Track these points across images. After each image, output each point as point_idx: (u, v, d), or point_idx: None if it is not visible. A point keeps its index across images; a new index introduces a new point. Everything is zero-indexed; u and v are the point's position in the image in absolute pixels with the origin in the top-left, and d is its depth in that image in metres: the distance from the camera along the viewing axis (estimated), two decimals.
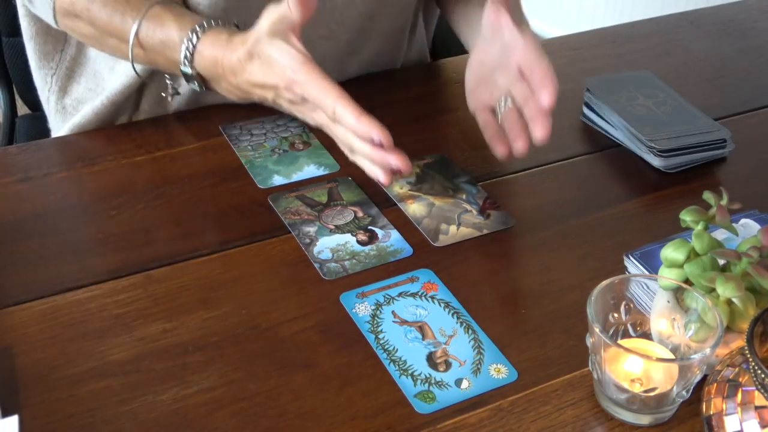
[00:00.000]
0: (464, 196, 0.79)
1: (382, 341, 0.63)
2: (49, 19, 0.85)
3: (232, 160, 0.83)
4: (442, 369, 0.61)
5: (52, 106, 0.96)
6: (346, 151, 0.74)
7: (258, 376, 0.60)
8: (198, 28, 0.77)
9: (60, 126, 0.95)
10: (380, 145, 0.69)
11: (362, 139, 0.69)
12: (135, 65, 0.83)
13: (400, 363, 0.61)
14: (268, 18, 0.71)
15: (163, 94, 0.87)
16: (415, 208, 0.77)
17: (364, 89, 0.96)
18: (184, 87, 0.87)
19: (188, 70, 0.78)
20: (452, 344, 0.63)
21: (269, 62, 0.72)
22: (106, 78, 0.92)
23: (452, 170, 0.83)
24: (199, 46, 0.77)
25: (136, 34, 0.79)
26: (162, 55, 0.80)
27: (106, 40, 0.83)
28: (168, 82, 0.86)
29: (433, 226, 0.75)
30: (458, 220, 0.76)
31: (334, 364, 0.61)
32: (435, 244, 0.73)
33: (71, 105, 0.94)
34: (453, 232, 0.75)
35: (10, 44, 1.12)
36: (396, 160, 0.69)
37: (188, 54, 0.77)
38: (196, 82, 0.80)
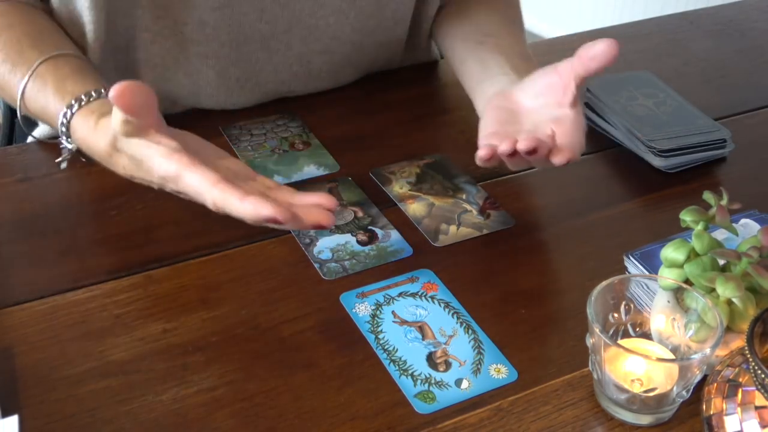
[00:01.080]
0: (464, 196, 0.79)
1: (382, 341, 0.63)
2: None
3: None
4: (442, 369, 0.61)
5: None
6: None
7: (258, 376, 0.60)
8: (74, 103, 0.70)
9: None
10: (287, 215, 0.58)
11: (258, 221, 0.60)
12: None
13: (400, 363, 0.61)
14: (116, 119, 0.61)
15: (56, 160, 0.78)
16: (415, 208, 0.77)
17: (364, 90, 0.96)
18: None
19: (69, 146, 0.73)
20: (452, 344, 0.63)
21: (135, 161, 0.64)
22: None
23: (452, 170, 0.83)
24: (73, 123, 0.70)
25: (22, 95, 0.74)
26: (45, 121, 0.77)
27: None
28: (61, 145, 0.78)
29: (433, 226, 0.75)
30: (458, 220, 0.76)
31: (334, 364, 0.61)
32: (435, 244, 0.73)
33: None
34: (453, 232, 0.75)
35: None
36: (317, 214, 0.60)
37: (64, 130, 0.71)
38: (82, 157, 0.74)
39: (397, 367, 0.61)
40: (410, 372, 0.61)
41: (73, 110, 0.70)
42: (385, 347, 0.62)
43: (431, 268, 0.70)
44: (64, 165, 0.77)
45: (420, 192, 0.80)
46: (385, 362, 0.61)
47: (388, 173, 0.82)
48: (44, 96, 0.73)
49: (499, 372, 0.61)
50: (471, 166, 0.83)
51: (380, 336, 0.63)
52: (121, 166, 0.66)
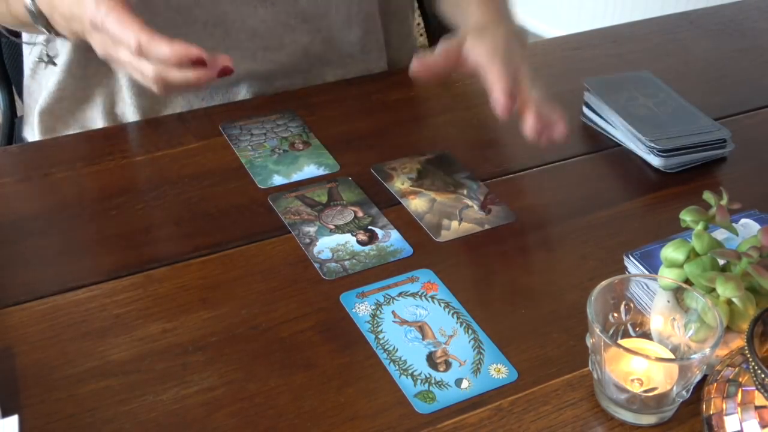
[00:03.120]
0: (465, 192, 0.79)
1: (382, 341, 0.63)
2: None
3: (232, 160, 0.83)
4: (442, 369, 0.61)
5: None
6: (157, 87, 0.70)
7: (258, 376, 0.60)
8: None
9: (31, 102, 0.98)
10: (202, 62, 0.67)
11: (181, 64, 0.67)
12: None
13: (400, 363, 0.61)
14: None
15: (42, 63, 0.87)
16: (416, 204, 0.77)
17: (364, 90, 0.96)
18: (61, 56, 0.88)
19: (32, 7, 0.77)
20: (452, 344, 0.63)
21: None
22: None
23: (453, 166, 0.83)
24: None
25: None
26: (10, 15, 0.81)
27: None
28: (43, 49, 0.86)
29: (435, 221, 0.75)
30: (459, 216, 0.76)
31: (334, 364, 0.61)
32: (437, 240, 0.73)
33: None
34: (455, 228, 0.75)
35: (10, 44, 1.12)
36: (223, 61, 0.68)
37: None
38: (41, 24, 0.78)
39: (397, 367, 0.61)
40: (410, 372, 0.61)
41: None
42: (385, 347, 0.62)
43: (431, 268, 0.70)
44: (44, 67, 0.86)
45: (421, 188, 0.80)
46: (385, 362, 0.61)
47: (389, 169, 0.82)
48: None
49: (499, 372, 0.61)
50: (471, 166, 0.83)
51: (380, 336, 0.63)
52: (61, 3, 0.72)
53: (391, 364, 0.61)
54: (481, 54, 0.76)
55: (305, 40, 0.95)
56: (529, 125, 0.75)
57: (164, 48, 0.66)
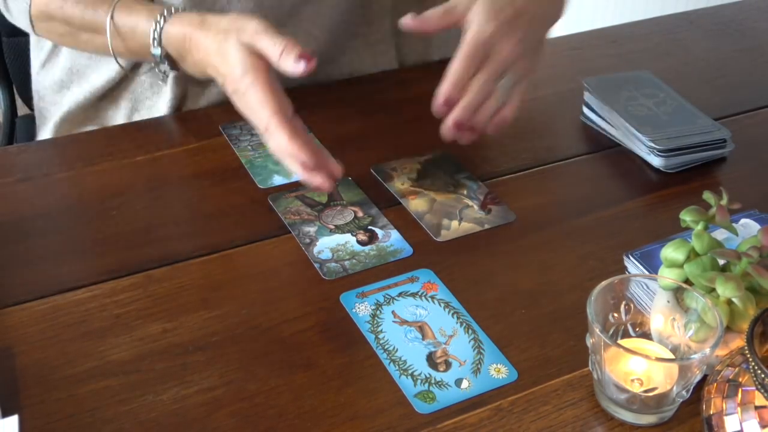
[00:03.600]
0: (465, 192, 0.79)
1: (382, 341, 0.63)
2: (26, 26, 0.89)
3: (232, 160, 0.83)
4: (442, 369, 0.61)
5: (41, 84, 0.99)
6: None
7: (258, 376, 0.60)
8: (165, 12, 0.81)
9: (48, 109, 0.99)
10: (309, 167, 0.70)
11: (292, 159, 0.70)
12: (117, 57, 0.86)
13: (400, 363, 0.61)
14: (256, 28, 0.72)
15: (160, 82, 0.91)
16: (416, 204, 0.77)
17: (364, 90, 0.96)
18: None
19: (157, 51, 0.82)
20: (452, 344, 0.63)
21: (223, 54, 0.73)
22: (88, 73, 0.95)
23: (453, 166, 0.83)
24: (166, 27, 0.80)
25: (111, 20, 0.83)
26: (133, 40, 0.83)
27: (81, 36, 0.86)
28: (156, 69, 0.88)
29: (435, 221, 0.75)
30: (459, 216, 0.76)
31: (334, 364, 0.61)
32: (437, 239, 0.73)
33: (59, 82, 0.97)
34: (455, 227, 0.75)
35: (10, 44, 1.12)
36: (323, 178, 0.71)
37: (156, 36, 0.81)
38: (166, 62, 0.83)
39: (397, 367, 0.61)
40: (410, 372, 0.61)
41: (167, 17, 0.80)
42: (385, 347, 0.62)
43: (431, 268, 0.70)
44: (162, 83, 0.89)
45: (421, 188, 0.80)
46: (385, 362, 0.61)
47: (390, 169, 0.82)
48: (132, 17, 0.82)
49: (499, 372, 0.61)
50: (471, 166, 0.83)
51: (380, 336, 0.63)
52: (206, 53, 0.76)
53: (391, 364, 0.61)
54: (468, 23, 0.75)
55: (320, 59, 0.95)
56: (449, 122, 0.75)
57: (283, 140, 0.69)
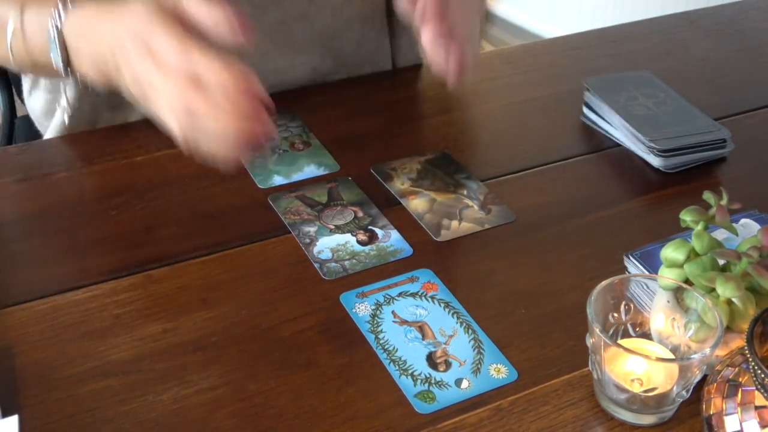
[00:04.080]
0: (465, 192, 0.79)
1: (382, 341, 0.63)
2: None
3: None
4: (442, 369, 0.61)
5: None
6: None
7: (258, 376, 0.60)
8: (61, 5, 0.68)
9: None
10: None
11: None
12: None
13: (400, 363, 0.61)
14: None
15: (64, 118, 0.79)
16: (416, 204, 0.77)
17: (364, 90, 0.96)
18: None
19: (57, 54, 0.69)
20: (452, 344, 0.63)
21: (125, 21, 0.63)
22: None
23: (453, 166, 0.83)
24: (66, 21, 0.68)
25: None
26: (28, 49, 0.72)
27: None
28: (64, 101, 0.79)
29: (435, 221, 0.75)
30: (459, 216, 0.76)
31: (334, 364, 0.61)
32: (437, 239, 0.73)
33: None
34: (455, 227, 0.75)
35: None
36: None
37: (54, 30, 0.68)
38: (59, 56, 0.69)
39: (397, 367, 0.61)
40: (410, 372, 0.61)
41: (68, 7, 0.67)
42: (385, 347, 0.62)
43: (431, 268, 0.70)
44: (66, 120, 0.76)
45: (421, 188, 0.80)
46: (385, 362, 0.61)
47: (390, 169, 0.82)
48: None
49: (499, 372, 0.61)
50: (471, 166, 0.83)
51: (380, 336, 0.63)
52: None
53: (391, 364, 0.61)
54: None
55: (316, 60, 0.95)
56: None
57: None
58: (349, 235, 0.74)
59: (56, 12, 0.68)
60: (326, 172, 0.82)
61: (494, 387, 0.60)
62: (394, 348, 0.62)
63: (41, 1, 0.71)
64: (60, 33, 0.68)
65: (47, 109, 0.94)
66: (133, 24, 0.63)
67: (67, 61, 0.70)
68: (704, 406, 0.54)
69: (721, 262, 0.61)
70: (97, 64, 0.67)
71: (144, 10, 0.62)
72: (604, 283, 0.58)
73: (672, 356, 0.58)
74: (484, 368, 0.61)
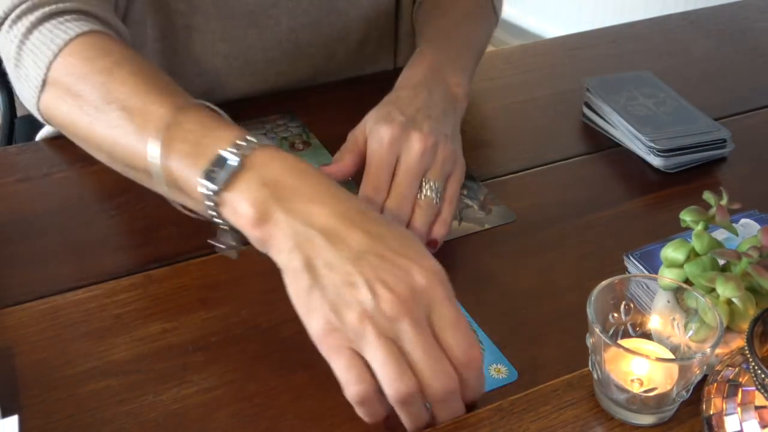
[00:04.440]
0: (465, 192, 0.79)
1: None
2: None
3: None
4: None
5: None
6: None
7: (258, 376, 0.60)
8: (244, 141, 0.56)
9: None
10: None
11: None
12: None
13: None
14: None
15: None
16: None
17: (364, 90, 0.96)
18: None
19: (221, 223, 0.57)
20: None
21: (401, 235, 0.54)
22: None
23: None
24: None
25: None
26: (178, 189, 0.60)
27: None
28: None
29: None
30: (459, 215, 0.76)
31: None
32: None
33: None
34: (455, 227, 0.75)
35: None
36: None
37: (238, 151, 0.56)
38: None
39: None
40: None
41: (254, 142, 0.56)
42: None
43: None
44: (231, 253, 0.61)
45: None
46: None
47: None
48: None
49: (499, 372, 0.61)
50: (471, 167, 0.83)
51: None
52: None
53: None
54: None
55: (320, 62, 0.95)
56: None
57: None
58: None
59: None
60: None
61: (494, 387, 0.60)
62: None
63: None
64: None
65: None
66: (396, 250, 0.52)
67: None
68: (704, 406, 0.54)
69: (721, 262, 0.61)
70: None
71: (434, 267, 0.52)
72: (604, 283, 0.58)
73: (672, 356, 0.58)
74: (485, 368, 0.61)
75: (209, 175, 0.55)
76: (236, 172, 0.55)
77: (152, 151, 0.58)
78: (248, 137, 0.56)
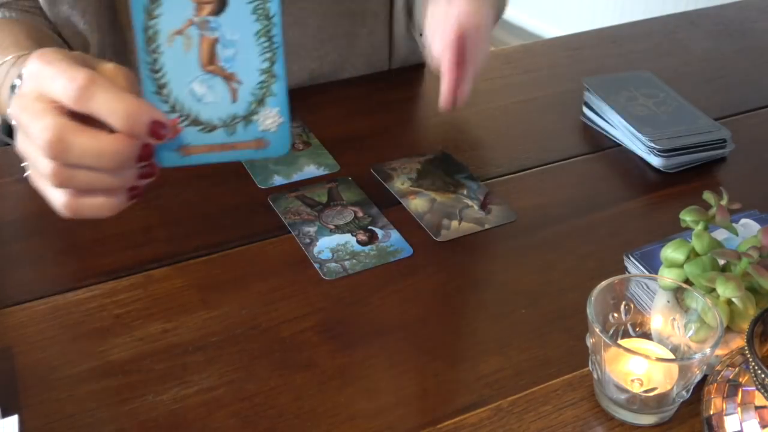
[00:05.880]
0: (465, 192, 0.79)
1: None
2: None
3: None
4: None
5: None
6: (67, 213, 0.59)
7: (258, 376, 0.60)
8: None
9: None
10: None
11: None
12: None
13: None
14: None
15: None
16: (416, 204, 0.77)
17: (364, 90, 0.96)
18: None
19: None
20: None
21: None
22: None
23: (452, 166, 0.83)
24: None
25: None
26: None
27: None
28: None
29: (435, 221, 0.75)
30: (460, 215, 0.76)
31: (334, 364, 0.61)
32: (437, 239, 0.73)
33: None
34: (455, 227, 0.75)
35: None
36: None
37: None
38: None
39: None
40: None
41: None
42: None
43: (432, 268, 0.70)
44: None
45: (421, 188, 0.80)
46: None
47: (389, 169, 0.82)
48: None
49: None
50: (471, 166, 0.83)
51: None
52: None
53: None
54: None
55: (313, 65, 0.95)
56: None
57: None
58: (349, 235, 0.74)
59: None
60: (326, 172, 0.82)
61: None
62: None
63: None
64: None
65: None
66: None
67: None
68: (704, 406, 0.54)
69: (721, 262, 0.61)
70: None
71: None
72: (604, 283, 0.58)
73: (672, 356, 0.58)
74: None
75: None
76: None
77: None
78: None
